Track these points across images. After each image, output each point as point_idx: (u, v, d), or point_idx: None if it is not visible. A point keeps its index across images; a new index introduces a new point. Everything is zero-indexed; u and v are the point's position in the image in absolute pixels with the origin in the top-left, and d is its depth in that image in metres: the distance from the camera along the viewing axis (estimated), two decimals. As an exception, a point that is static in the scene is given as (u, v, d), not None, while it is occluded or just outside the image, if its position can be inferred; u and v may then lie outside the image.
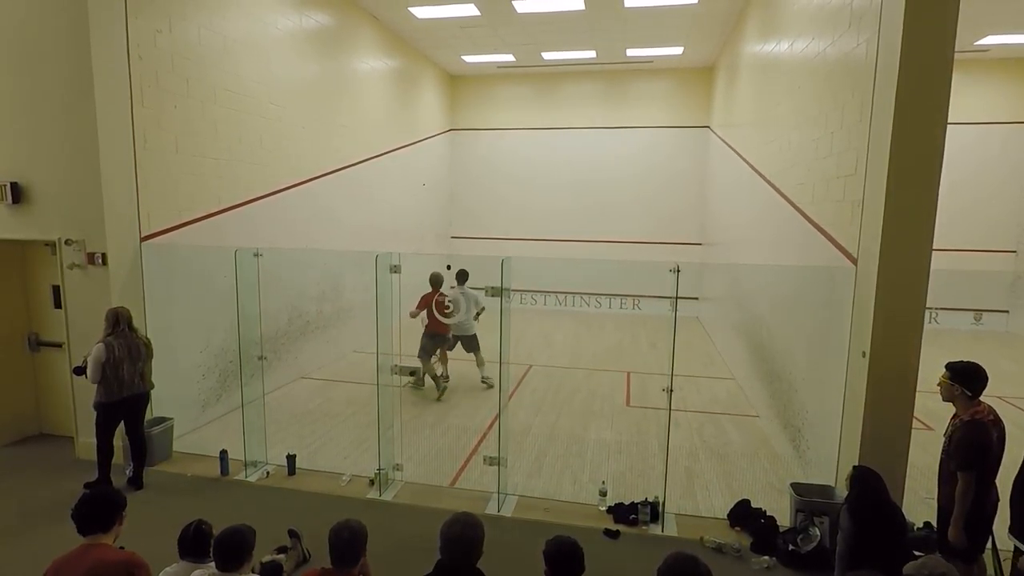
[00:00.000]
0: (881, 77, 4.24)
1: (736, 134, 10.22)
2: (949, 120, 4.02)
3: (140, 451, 5.16)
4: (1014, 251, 12.35)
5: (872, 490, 3.42)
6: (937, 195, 4.05)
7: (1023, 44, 10.99)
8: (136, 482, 5.09)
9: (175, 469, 5.47)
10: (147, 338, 5.18)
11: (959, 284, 12.28)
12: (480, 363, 8.13)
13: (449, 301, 7.51)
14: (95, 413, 4.91)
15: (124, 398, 4.93)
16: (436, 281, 7.78)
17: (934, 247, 4.11)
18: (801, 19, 6.37)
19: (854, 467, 3.63)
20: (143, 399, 5.13)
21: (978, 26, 10.00)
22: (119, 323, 4.91)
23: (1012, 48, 11.27)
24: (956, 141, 11.21)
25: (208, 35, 6.45)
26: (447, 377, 8.14)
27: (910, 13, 3.91)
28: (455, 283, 8.13)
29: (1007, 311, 12.47)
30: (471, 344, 8.15)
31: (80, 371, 4.94)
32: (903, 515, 3.51)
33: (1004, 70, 12.02)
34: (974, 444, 3.25)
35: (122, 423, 5.07)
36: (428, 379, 7.92)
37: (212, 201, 6.65)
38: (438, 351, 8.05)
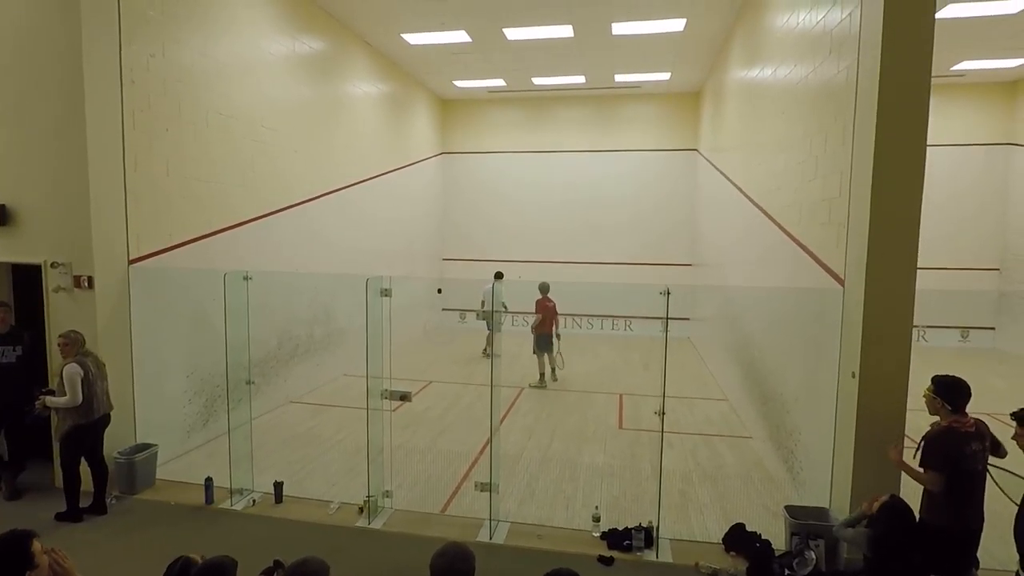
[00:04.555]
0: (862, 102, 4.33)
1: (723, 157, 10.37)
2: (929, 142, 4.11)
3: (104, 476, 5.08)
4: (997, 269, 12.54)
5: (903, 527, 3.42)
6: (920, 216, 4.12)
7: (996, 69, 11.32)
8: (100, 508, 4.99)
9: (159, 497, 5.35)
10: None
11: (945, 302, 12.43)
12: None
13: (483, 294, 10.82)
14: (63, 442, 4.80)
15: (99, 418, 4.88)
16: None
17: (919, 266, 4.17)
18: (784, 46, 6.52)
19: (891, 495, 3.59)
20: (109, 420, 5.07)
21: (953, 52, 10.30)
22: (84, 343, 4.88)
23: (986, 73, 11.59)
24: (937, 163, 11.49)
25: (201, 60, 6.50)
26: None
27: (887, 41, 4.02)
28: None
29: (993, 328, 12.62)
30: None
31: (35, 419, 4.83)
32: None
33: (980, 94, 12.35)
34: (941, 445, 3.36)
35: None
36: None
37: (203, 224, 6.63)
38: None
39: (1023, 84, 12.01)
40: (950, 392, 3.48)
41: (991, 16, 8.52)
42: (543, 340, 9.57)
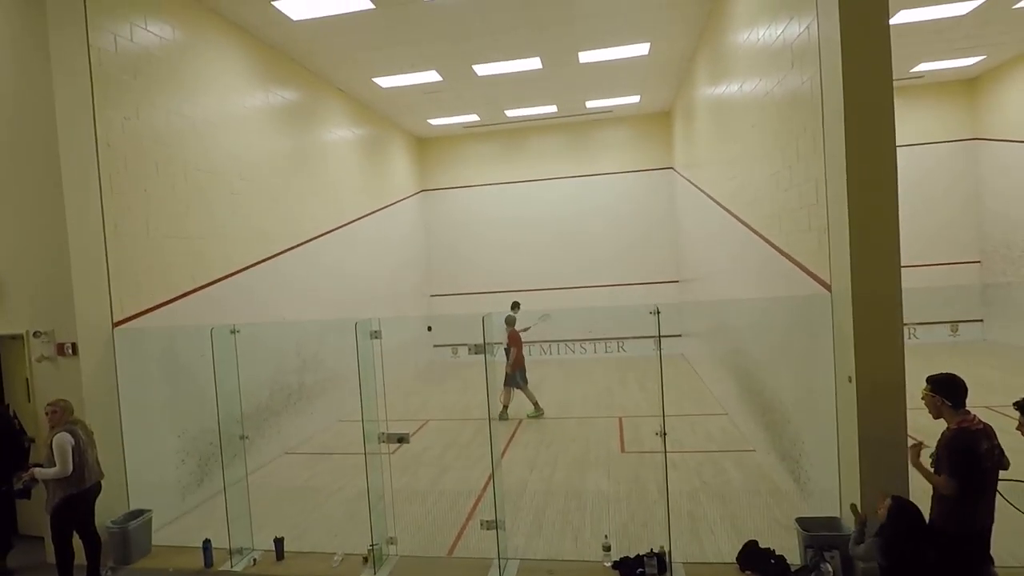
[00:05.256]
0: (828, 110, 4.43)
1: (699, 173, 10.54)
2: (899, 143, 4.19)
3: (98, 547, 4.93)
4: (979, 261, 12.73)
5: (910, 526, 3.36)
6: (898, 215, 4.18)
7: (955, 68, 11.70)
8: None
9: (155, 564, 5.17)
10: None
11: (932, 298, 12.58)
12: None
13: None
14: (55, 515, 4.65)
15: (90, 487, 4.76)
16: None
17: (903, 264, 4.21)
18: (747, 61, 6.69)
19: (892, 497, 3.53)
20: (100, 488, 4.93)
21: (911, 55, 10.65)
22: (72, 411, 4.80)
23: (946, 72, 11.98)
24: (909, 162, 11.79)
25: (176, 118, 6.53)
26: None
27: (846, 49, 4.15)
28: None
29: (981, 320, 12.75)
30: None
31: (23, 494, 4.74)
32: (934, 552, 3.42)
33: (943, 92, 12.74)
34: (958, 449, 3.31)
35: None
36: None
37: (186, 280, 6.57)
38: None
39: (982, 80, 12.40)
40: (948, 389, 3.46)
41: (943, 18, 8.83)
42: (522, 373, 9.38)
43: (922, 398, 3.56)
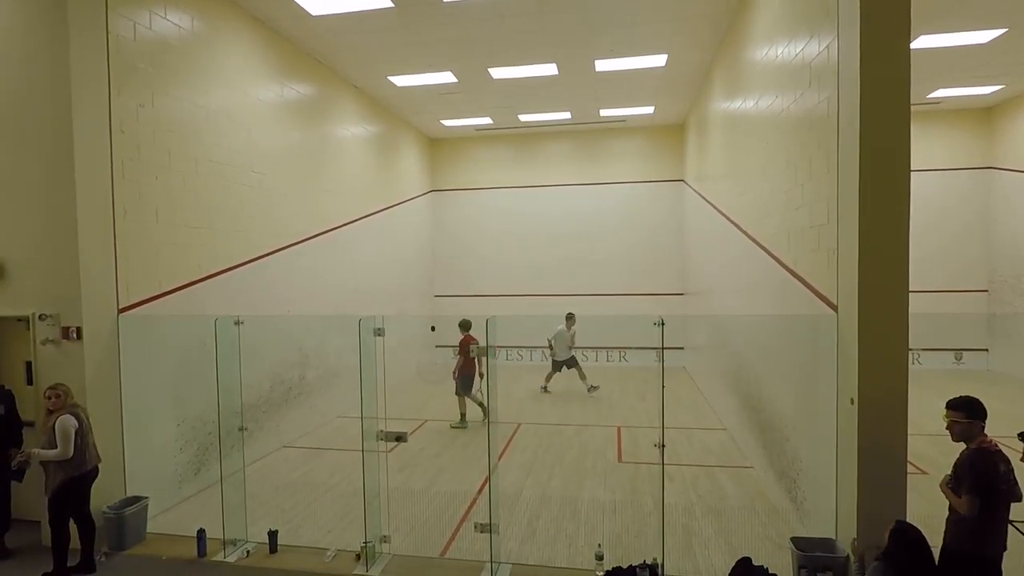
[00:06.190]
0: (844, 131, 4.42)
1: (710, 187, 10.52)
2: (913, 168, 4.17)
3: (92, 532, 4.94)
4: (986, 290, 12.66)
5: (911, 543, 3.33)
6: (908, 240, 4.16)
7: (972, 96, 11.66)
8: (88, 566, 4.85)
9: (149, 551, 5.19)
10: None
11: (938, 324, 12.52)
12: (582, 377, 11.32)
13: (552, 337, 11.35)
14: (54, 497, 4.67)
15: (89, 470, 4.80)
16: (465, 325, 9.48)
17: (910, 289, 4.18)
18: (764, 78, 6.68)
19: (896, 522, 3.51)
20: (98, 472, 4.96)
21: (929, 80, 10.62)
22: (72, 396, 4.83)
23: (963, 99, 11.94)
24: (921, 187, 11.73)
25: (191, 108, 6.57)
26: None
27: (865, 71, 4.13)
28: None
29: (986, 349, 12.67)
30: (571, 363, 11.41)
31: (17, 475, 4.79)
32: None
33: (959, 120, 12.70)
34: (979, 468, 3.29)
35: None
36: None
37: (193, 270, 6.60)
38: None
39: (999, 110, 12.35)
40: (979, 411, 3.44)
41: (963, 46, 8.81)
42: (466, 381, 9.10)
43: (948, 427, 3.50)
